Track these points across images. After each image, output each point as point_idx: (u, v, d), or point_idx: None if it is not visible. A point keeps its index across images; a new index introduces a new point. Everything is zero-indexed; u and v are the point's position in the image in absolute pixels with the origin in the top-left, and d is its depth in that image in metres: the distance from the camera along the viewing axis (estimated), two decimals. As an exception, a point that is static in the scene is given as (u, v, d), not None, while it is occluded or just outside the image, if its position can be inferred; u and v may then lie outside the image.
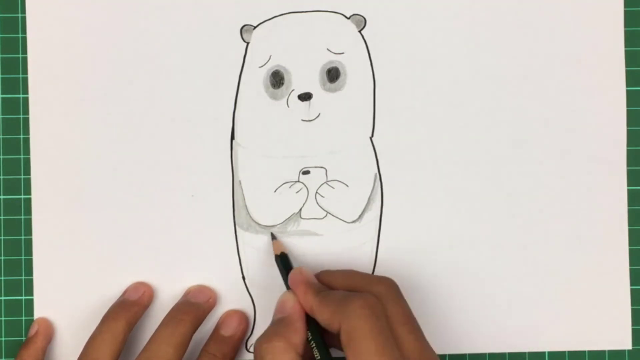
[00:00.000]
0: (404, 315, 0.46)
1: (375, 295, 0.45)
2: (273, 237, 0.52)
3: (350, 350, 0.43)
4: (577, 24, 0.53)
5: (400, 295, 0.47)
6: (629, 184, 0.54)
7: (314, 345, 0.46)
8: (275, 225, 0.53)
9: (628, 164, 0.54)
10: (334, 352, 0.46)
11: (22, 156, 0.53)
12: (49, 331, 0.52)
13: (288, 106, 0.53)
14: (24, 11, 0.53)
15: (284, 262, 0.50)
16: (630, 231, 0.54)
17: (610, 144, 0.54)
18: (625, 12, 0.54)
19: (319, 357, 0.46)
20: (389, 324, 0.44)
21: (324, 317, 0.45)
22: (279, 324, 0.46)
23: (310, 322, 0.46)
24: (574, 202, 0.53)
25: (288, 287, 0.49)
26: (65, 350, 0.52)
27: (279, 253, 0.51)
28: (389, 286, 0.47)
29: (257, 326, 0.53)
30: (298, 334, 0.45)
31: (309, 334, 0.46)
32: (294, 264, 0.51)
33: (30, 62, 0.53)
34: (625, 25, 0.54)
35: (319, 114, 0.53)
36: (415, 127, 0.53)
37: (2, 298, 0.53)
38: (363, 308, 0.44)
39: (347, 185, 0.53)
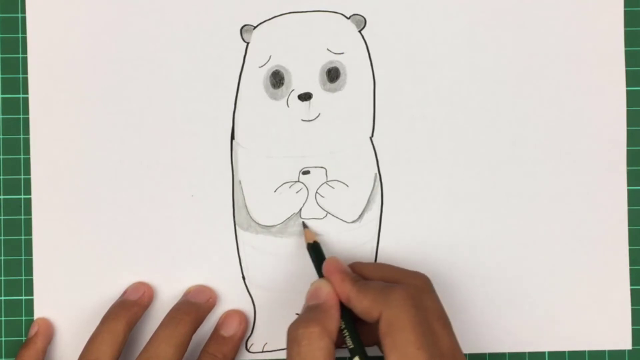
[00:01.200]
0: (438, 310, 0.46)
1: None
2: (305, 225, 0.52)
3: (389, 338, 0.43)
4: (577, 24, 0.53)
5: (434, 291, 0.47)
6: (629, 184, 0.54)
7: (347, 334, 0.46)
8: (275, 225, 0.53)
9: (628, 164, 0.54)
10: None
11: (22, 156, 0.53)
12: (49, 331, 0.52)
13: (288, 106, 0.53)
14: (24, 11, 0.53)
15: (316, 250, 0.50)
16: (630, 231, 0.54)
17: (610, 144, 0.54)
18: (625, 12, 0.54)
19: (351, 346, 0.46)
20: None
21: (363, 305, 0.45)
22: (314, 310, 0.46)
23: (344, 311, 0.46)
24: (574, 202, 0.53)
25: (320, 276, 0.49)
26: (65, 350, 0.52)
27: (311, 241, 0.51)
28: (424, 280, 0.47)
29: (257, 326, 0.53)
30: (333, 321, 0.45)
31: (342, 323, 0.46)
32: (326, 254, 0.51)
33: (30, 62, 0.53)
34: (625, 25, 0.54)
35: (319, 114, 0.53)
36: (415, 127, 0.53)
37: (2, 298, 0.53)
38: (405, 298, 0.44)
39: (347, 185, 0.53)
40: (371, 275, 0.48)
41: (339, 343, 0.46)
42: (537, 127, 0.53)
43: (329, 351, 0.44)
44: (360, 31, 0.53)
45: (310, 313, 0.46)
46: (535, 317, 0.53)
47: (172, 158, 0.53)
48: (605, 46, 0.54)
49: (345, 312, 0.46)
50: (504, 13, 0.53)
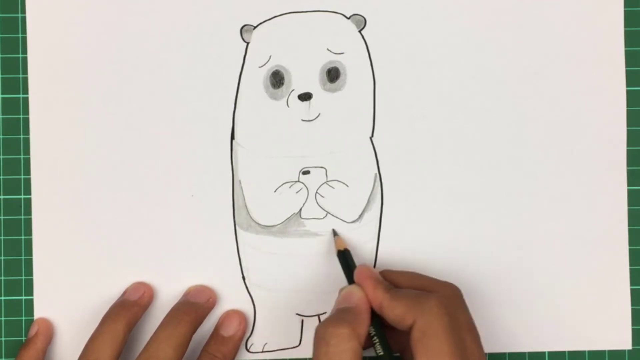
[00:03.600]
0: (469, 322, 0.46)
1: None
2: (335, 233, 0.52)
3: (421, 346, 0.43)
4: (577, 24, 0.53)
5: (464, 302, 0.47)
6: (629, 184, 0.54)
7: (376, 340, 0.46)
8: (275, 225, 0.53)
9: (628, 164, 0.54)
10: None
11: (22, 156, 0.53)
12: (49, 331, 0.52)
13: (288, 106, 0.53)
14: (24, 11, 0.53)
15: (346, 258, 0.50)
16: (630, 231, 0.54)
17: (610, 144, 0.54)
18: (625, 12, 0.54)
19: (381, 353, 0.46)
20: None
21: (395, 312, 0.45)
22: (345, 312, 0.46)
23: (374, 318, 0.46)
24: (574, 202, 0.53)
25: (349, 283, 0.49)
26: (65, 350, 0.52)
27: (342, 249, 0.51)
28: (455, 291, 0.47)
29: (257, 326, 0.53)
30: (363, 325, 0.45)
31: (372, 329, 0.46)
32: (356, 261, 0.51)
33: (30, 62, 0.53)
34: (625, 25, 0.54)
35: (319, 114, 0.53)
36: (415, 127, 0.53)
37: (2, 298, 0.53)
38: (439, 307, 0.44)
39: (347, 185, 0.53)
40: (402, 283, 0.48)
41: (366, 348, 0.46)
42: (537, 127, 0.53)
43: (356, 353, 0.44)
44: (360, 31, 0.53)
45: (342, 314, 0.46)
46: (535, 317, 0.53)
47: (172, 158, 0.53)
48: (605, 46, 0.54)
49: (375, 318, 0.47)
50: (504, 13, 0.53)
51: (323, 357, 0.44)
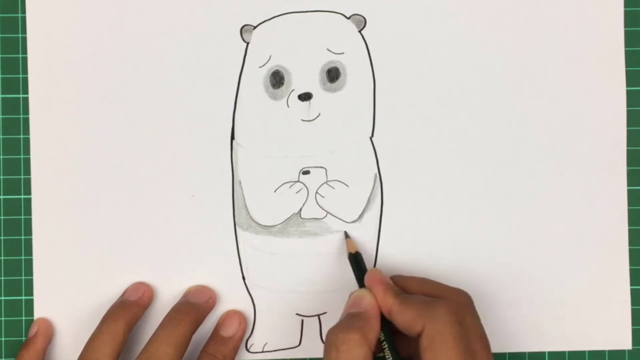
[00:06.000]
0: (479, 330, 0.46)
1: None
2: (346, 235, 0.52)
3: (430, 353, 0.43)
4: (577, 24, 0.53)
5: (475, 310, 0.47)
6: (629, 184, 0.54)
7: (386, 346, 0.46)
8: (275, 225, 0.53)
9: (628, 164, 0.54)
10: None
11: (22, 156, 0.53)
12: (49, 331, 0.52)
13: (288, 106, 0.53)
14: (24, 11, 0.53)
15: (357, 261, 0.50)
16: (630, 231, 0.54)
17: (610, 144, 0.54)
18: (625, 12, 0.54)
19: (390, 359, 0.46)
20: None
21: (405, 318, 0.45)
22: (355, 317, 0.46)
23: (384, 323, 0.46)
24: (574, 202, 0.53)
25: (360, 286, 0.49)
26: (65, 350, 0.52)
27: (353, 252, 0.51)
28: (466, 298, 0.47)
29: (257, 326, 0.53)
30: (374, 331, 0.45)
31: (381, 334, 0.46)
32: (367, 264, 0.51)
33: (30, 62, 0.53)
34: (625, 25, 0.54)
35: (319, 114, 0.53)
36: (415, 127, 0.53)
37: (2, 298, 0.53)
38: (449, 314, 0.44)
39: (347, 185, 0.53)
40: (413, 288, 0.48)
41: (375, 353, 0.45)
42: (537, 127, 0.53)
43: (367, 359, 0.44)
44: (360, 31, 0.53)
45: (351, 320, 0.46)
46: (535, 317, 0.53)
47: (172, 158, 0.53)
48: (605, 46, 0.54)
49: (385, 324, 0.46)
50: (504, 13, 0.53)
51: None
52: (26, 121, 0.53)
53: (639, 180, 0.54)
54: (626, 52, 0.54)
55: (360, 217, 0.53)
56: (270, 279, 0.53)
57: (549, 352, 0.53)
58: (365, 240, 0.53)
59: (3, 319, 0.53)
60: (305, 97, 0.52)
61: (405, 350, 0.47)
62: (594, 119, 0.53)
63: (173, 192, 0.53)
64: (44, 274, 0.53)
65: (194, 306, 0.51)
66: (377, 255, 0.53)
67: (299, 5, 0.53)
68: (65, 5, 0.53)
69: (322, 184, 0.53)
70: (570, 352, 0.53)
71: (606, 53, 0.54)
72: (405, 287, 0.48)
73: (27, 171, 0.53)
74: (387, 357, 0.46)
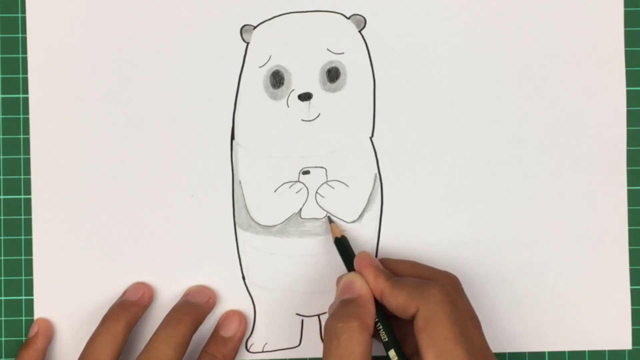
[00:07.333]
0: (470, 310, 0.46)
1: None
2: (330, 220, 0.52)
3: (425, 334, 0.43)
4: (577, 24, 0.53)
5: (464, 291, 0.48)
6: (629, 184, 0.54)
7: (380, 327, 0.46)
8: (275, 225, 0.53)
9: (628, 164, 0.54)
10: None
11: (22, 156, 0.53)
12: (49, 332, 0.52)
13: (288, 106, 0.53)
14: (24, 11, 0.53)
15: (343, 245, 0.50)
16: (630, 231, 0.54)
17: (610, 144, 0.54)
18: (625, 12, 0.54)
19: (386, 340, 0.46)
20: None
21: (397, 300, 0.45)
22: (351, 304, 0.46)
23: (377, 305, 0.47)
24: (574, 202, 0.53)
25: (349, 270, 0.49)
26: (65, 350, 0.52)
27: (339, 236, 0.51)
28: (455, 280, 0.48)
29: (257, 326, 0.53)
30: (370, 315, 0.46)
31: (376, 317, 0.46)
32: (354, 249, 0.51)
33: (30, 62, 0.53)
34: (625, 25, 0.54)
35: (319, 114, 0.53)
36: (415, 127, 0.53)
37: (2, 298, 0.53)
38: (442, 294, 0.44)
39: (347, 185, 0.53)
40: (402, 271, 0.49)
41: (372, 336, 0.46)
42: (537, 127, 0.53)
43: (368, 345, 0.44)
44: (360, 31, 0.53)
45: (347, 307, 0.46)
46: (535, 317, 0.53)
47: (172, 158, 0.53)
48: (605, 46, 0.54)
49: (378, 306, 0.47)
50: (504, 13, 0.53)
51: (334, 351, 0.44)
52: (26, 121, 0.53)
53: (639, 180, 0.54)
54: (626, 52, 0.54)
55: (360, 217, 0.53)
56: (270, 279, 0.53)
57: (549, 352, 0.53)
58: (365, 240, 0.53)
59: (3, 319, 0.53)
60: (305, 97, 0.52)
61: (396, 333, 0.47)
62: (594, 119, 0.53)
63: (173, 192, 0.53)
64: (44, 274, 0.53)
65: (194, 306, 0.51)
66: (377, 255, 0.53)
67: (299, 5, 0.53)
68: (65, 5, 0.53)
69: (322, 184, 0.53)
70: (570, 352, 0.53)
71: (606, 53, 0.54)
72: (395, 269, 0.49)
73: (27, 171, 0.53)
74: (383, 338, 0.46)
